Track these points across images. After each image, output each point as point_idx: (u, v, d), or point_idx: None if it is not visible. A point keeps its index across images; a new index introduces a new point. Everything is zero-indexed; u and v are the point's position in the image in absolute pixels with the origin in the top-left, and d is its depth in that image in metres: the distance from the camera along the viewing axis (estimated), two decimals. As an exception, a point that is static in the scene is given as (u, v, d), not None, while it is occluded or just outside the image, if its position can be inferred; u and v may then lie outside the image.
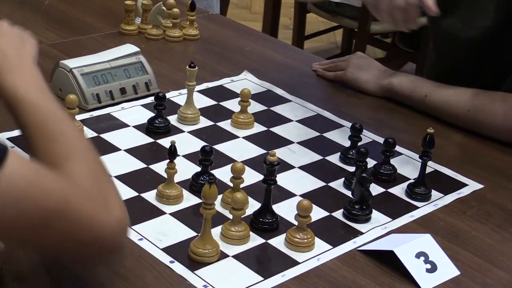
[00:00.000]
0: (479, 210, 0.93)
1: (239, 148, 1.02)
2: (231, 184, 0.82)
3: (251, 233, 0.80)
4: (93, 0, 1.60)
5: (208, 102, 1.15)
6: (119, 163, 0.95)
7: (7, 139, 0.97)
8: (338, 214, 0.87)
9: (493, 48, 1.17)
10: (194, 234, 0.79)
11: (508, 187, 1.00)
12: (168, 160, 0.85)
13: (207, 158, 0.87)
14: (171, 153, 0.85)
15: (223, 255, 0.77)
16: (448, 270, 0.78)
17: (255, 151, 1.00)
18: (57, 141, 0.75)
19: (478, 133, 1.10)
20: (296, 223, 0.79)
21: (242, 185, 0.82)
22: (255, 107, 1.12)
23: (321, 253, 0.79)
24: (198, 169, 0.89)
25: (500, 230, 0.88)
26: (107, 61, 1.15)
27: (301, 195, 0.90)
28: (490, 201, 0.96)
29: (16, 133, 0.96)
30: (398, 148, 1.00)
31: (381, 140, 1.00)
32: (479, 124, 1.08)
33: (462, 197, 0.95)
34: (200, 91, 1.16)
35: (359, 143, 0.98)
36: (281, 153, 0.96)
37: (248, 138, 1.05)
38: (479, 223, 0.90)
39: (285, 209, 0.85)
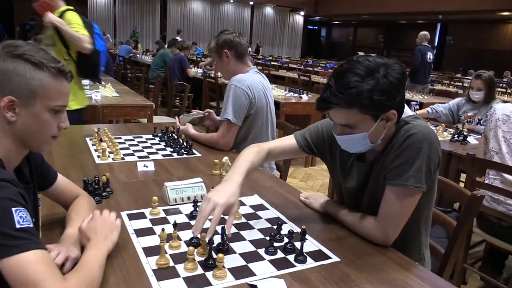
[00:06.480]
0: (331, 271, 1.23)
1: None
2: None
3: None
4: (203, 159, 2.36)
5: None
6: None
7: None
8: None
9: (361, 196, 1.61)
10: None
11: (353, 260, 1.30)
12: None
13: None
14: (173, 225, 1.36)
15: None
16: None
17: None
18: (82, 267, 0.99)
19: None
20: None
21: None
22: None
23: (229, 281, 1.15)
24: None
25: (329, 282, 1.17)
26: (186, 183, 1.70)
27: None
28: (338, 267, 1.26)
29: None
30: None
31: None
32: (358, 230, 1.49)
33: (324, 264, 1.27)
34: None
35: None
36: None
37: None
38: (324, 278, 1.19)
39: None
